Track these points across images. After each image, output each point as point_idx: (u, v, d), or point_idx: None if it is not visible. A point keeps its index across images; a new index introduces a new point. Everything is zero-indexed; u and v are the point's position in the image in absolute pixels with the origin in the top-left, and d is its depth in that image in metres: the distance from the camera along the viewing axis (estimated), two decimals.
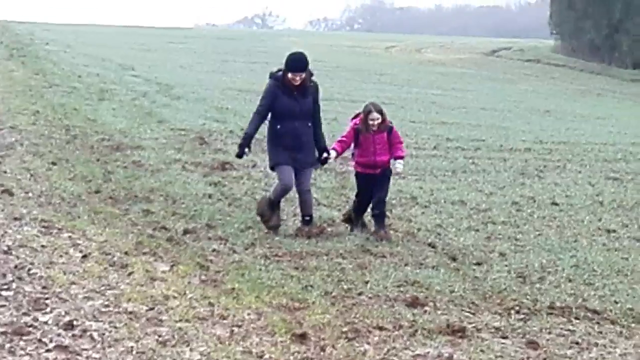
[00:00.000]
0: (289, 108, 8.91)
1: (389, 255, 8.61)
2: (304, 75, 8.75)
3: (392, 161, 9.43)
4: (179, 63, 32.99)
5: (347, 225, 9.49)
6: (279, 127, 8.96)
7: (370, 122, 8.96)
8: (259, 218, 9.22)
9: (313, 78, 9.08)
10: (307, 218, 9.17)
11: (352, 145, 9.37)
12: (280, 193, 9.07)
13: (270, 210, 9.03)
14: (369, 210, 9.39)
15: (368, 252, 8.68)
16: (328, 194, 11.70)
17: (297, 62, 8.81)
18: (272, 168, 9.32)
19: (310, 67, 8.98)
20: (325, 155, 9.24)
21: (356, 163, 9.47)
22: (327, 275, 7.71)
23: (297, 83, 8.73)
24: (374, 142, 9.10)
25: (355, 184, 9.74)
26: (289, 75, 8.69)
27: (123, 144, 14.18)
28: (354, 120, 9.29)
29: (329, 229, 9.56)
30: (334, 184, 12.50)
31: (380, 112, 9.08)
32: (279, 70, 8.92)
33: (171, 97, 21.64)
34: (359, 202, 9.43)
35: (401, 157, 9.47)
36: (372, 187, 9.29)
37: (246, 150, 9.14)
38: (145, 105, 19.74)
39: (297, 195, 9.36)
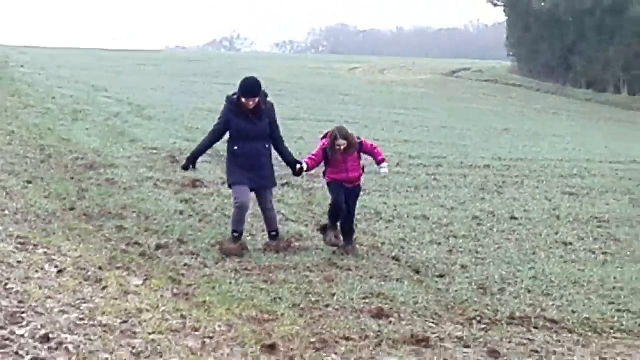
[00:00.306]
0: (245, 130, 9.08)
1: (355, 269, 8.74)
2: (257, 99, 8.91)
3: (377, 167, 9.75)
4: (150, 84, 33.08)
5: (322, 234, 9.51)
6: (236, 148, 9.12)
7: (337, 147, 9.10)
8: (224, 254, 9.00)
9: (269, 99, 9.28)
10: (274, 233, 9.30)
11: (323, 163, 9.50)
12: (236, 213, 9.13)
13: (233, 234, 9.14)
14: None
15: (335, 266, 8.80)
16: (295, 209, 11.76)
17: (249, 87, 8.95)
18: (230, 186, 9.42)
19: (265, 89, 9.15)
20: (299, 166, 9.31)
21: (331, 178, 9.51)
22: (296, 288, 7.83)
23: (251, 107, 8.89)
24: (345, 161, 9.27)
25: (330, 194, 9.68)
26: (243, 100, 8.86)
27: (96, 163, 14.25)
28: (324, 141, 9.39)
29: (296, 244, 9.64)
30: (301, 200, 12.60)
31: (346, 137, 9.17)
32: (234, 94, 9.05)
33: (143, 117, 21.76)
34: (334, 210, 9.42)
35: (383, 160, 9.64)
36: (345, 195, 9.38)
37: (191, 165, 9.35)
38: (118, 125, 19.77)
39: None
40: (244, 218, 9.22)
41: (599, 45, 53.88)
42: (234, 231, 9.11)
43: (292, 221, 10.88)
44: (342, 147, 9.02)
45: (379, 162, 9.61)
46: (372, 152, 9.60)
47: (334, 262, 8.89)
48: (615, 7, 51.24)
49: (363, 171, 9.58)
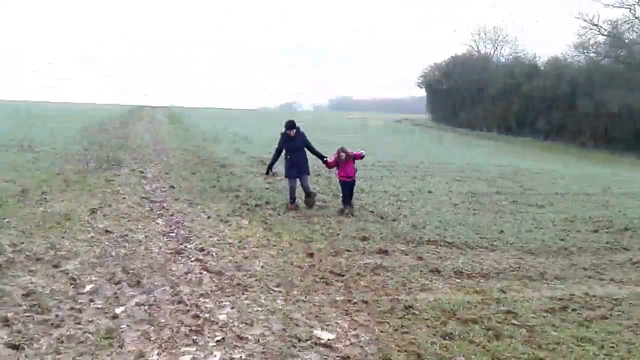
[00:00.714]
0: (290, 147, 12.50)
1: (352, 216, 11.88)
2: (294, 131, 12.42)
3: (359, 159, 12.82)
4: (250, 126, 39.29)
5: (340, 210, 12.30)
6: (288, 157, 12.56)
7: (341, 157, 12.40)
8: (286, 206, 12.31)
9: (300, 130, 12.59)
10: (308, 192, 12.68)
11: (336, 167, 12.69)
12: (289, 189, 12.55)
13: (290, 202, 12.44)
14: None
15: (342, 215, 11.95)
16: (322, 188, 15.31)
17: (290, 124, 12.48)
18: (285, 177, 12.84)
19: (298, 125, 12.55)
20: (325, 158, 12.86)
21: (339, 175, 12.70)
22: (322, 226, 10.81)
23: (292, 135, 12.42)
24: (346, 165, 12.46)
25: (340, 185, 12.93)
26: (287, 131, 12.41)
27: (225, 164, 18.63)
28: (334, 157, 12.60)
29: (322, 204, 13.03)
30: (325, 182, 16.31)
31: (345, 151, 12.49)
32: (284, 130, 12.50)
33: (247, 141, 26.99)
34: (343, 194, 12.64)
35: (360, 156, 12.72)
36: (347, 186, 12.55)
37: (270, 171, 13.09)
38: (235, 145, 24.63)
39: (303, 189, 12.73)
40: (294, 192, 12.54)
41: (472, 106, 67.61)
42: (290, 199, 12.52)
43: (320, 193, 14.22)
44: (343, 157, 12.40)
45: (358, 157, 12.69)
46: (356, 156, 12.62)
47: (341, 214, 11.99)
48: (480, 86, 63.93)
49: (356, 171, 12.77)
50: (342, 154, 12.40)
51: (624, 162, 42.26)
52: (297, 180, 12.59)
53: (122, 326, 5.58)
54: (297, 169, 12.49)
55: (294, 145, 12.47)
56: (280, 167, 13.60)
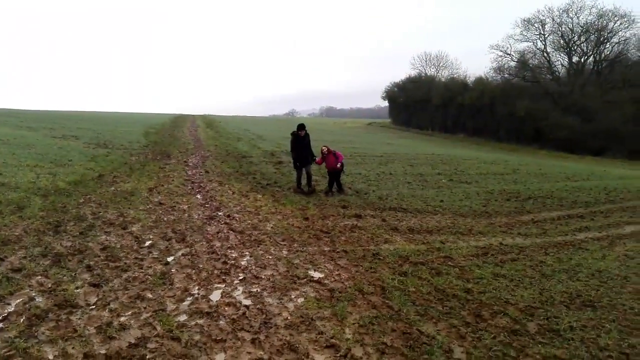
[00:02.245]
0: (299, 145, 11.69)
1: (336, 193, 11.53)
2: (304, 131, 11.71)
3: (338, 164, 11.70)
4: (263, 128, 37.56)
5: (325, 192, 11.62)
6: (297, 152, 11.73)
7: (323, 152, 11.82)
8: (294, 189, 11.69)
9: (307, 132, 11.81)
10: (310, 187, 11.73)
11: (323, 161, 11.88)
12: (297, 178, 11.80)
13: (297, 186, 11.73)
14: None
15: (329, 194, 11.43)
16: (315, 172, 13.30)
17: (301, 125, 11.80)
18: (294, 167, 11.90)
19: (306, 127, 11.88)
20: (315, 158, 12.00)
21: (326, 167, 11.97)
22: (314, 199, 10.81)
23: (302, 135, 11.65)
24: (329, 159, 11.77)
25: (327, 175, 12.13)
26: (298, 131, 11.63)
27: (245, 156, 18.04)
28: (320, 156, 11.96)
29: (316, 186, 12.23)
30: (316, 168, 13.85)
31: (326, 146, 12.00)
32: (294, 130, 11.72)
33: (262, 139, 25.83)
34: (329, 183, 11.86)
35: (341, 163, 11.67)
36: (332, 175, 11.80)
37: (298, 164, 11.73)
38: (253, 142, 23.81)
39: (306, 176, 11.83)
40: (300, 179, 11.80)
41: (421, 113, 66.06)
42: (297, 184, 11.76)
43: (315, 176, 13.36)
44: (325, 151, 11.83)
45: (339, 160, 11.71)
46: (336, 155, 11.78)
47: (330, 194, 11.54)
48: (427, 98, 62.64)
49: (342, 165, 11.71)
50: (324, 148, 11.97)
51: (528, 151, 42.74)
52: (303, 169, 11.92)
53: (172, 270, 5.64)
54: (303, 161, 11.83)
55: (302, 143, 11.80)
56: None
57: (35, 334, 3.92)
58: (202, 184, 11.70)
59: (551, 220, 10.38)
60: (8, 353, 3.61)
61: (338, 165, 11.71)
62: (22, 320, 4.11)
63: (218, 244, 6.79)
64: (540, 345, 4.32)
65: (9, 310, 4.29)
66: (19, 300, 4.48)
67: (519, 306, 5.21)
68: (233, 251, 6.54)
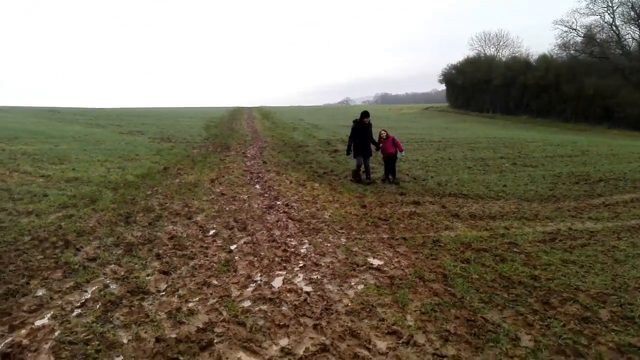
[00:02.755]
0: (362, 133, 11.24)
1: (393, 180, 11.25)
2: (368, 119, 11.22)
3: (399, 153, 11.56)
4: (318, 118, 38.72)
5: (382, 180, 11.41)
6: (357, 141, 11.28)
7: (381, 136, 11.53)
8: (351, 177, 11.53)
9: (370, 121, 11.37)
10: (369, 175, 11.37)
11: (380, 146, 11.52)
12: (356, 166, 11.34)
13: (355, 174, 11.41)
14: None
15: (389, 183, 11.17)
16: (373, 160, 12.53)
17: (366, 113, 11.28)
18: (354, 157, 11.41)
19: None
20: (374, 148, 11.55)
21: (382, 153, 11.57)
22: (374, 188, 10.59)
23: (367, 122, 11.19)
24: (386, 143, 11.44)
25: (383, 162, 11.79)
26: (364, 119, 11.13)
27: (301, 145, 18.43)
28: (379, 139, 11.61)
29: (374, 175, 11.82)
30: (375, 160, 13.61)
31: (385, 130, 11.70)
32: (356, 118, 11.32)
33: (317, 128, 26.44)
34: (385, 171, 11.54)
35: (401, 150, 11.58)
36: (388, 162, 11.44)
37: (351, 152, 11.40)
38: (308, 132, 24.36)
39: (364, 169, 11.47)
40: (360, 169, 11.37)
41: (481, 96, 63.37)
42: (355, 174, 11.38)
43: (373, 165, 12.82)
44: (384, 135, 11.53)
45: (400, 150, 11.59)
46: (398, 144, 11.54)
47: (387, 183, 11.36)
48: (486, 79, 59.86)
49: (396, 150, 11.45)
50: (383, 132, 11.63)
51: (597, 131, 40.28)
52: (362, 160, 11.40)
53: (235, 258, 5.80)
54: (365, 151, 11.33)
55: (365, 131, 11.28)
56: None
57: (111, 319, 4.17)
58: (260, 174, 11.94)
59: (624, 203, 9.76)
60: (86, 337, 3.86)
61: (399, 154, 11.55)
62: (98, 306, 4.39)
63: (278, 233, 6.91)
64: (613, 333, 4.10)
65: (86, 297, 4.59)
66: (94, 288, 4.79)
67: (590, 293, 4.95)
68: (292, 239, 6.63)
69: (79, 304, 4.44)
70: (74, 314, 4.26)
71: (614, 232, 7.50)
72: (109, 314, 4.27)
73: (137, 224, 7.02)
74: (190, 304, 4.49)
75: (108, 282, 4.95)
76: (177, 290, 4.78)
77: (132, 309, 4.38)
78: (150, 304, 4.48)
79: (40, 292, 4.66)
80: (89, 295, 4.63)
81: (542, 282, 5.24)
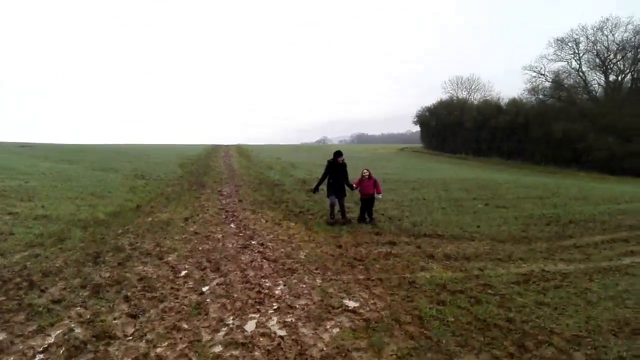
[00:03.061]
0: (335, 173, 11.20)
1: (369, 221, 11.05)
2: (342, 158, 11.15)
3: (376, 194, 11.45)
4: (295, 157, 38.04)
5: (359, 221, 11.13)
6: (331, 181, 11.24)
7: (364, 175, 11.33)
8: (327, 221, 10.95)
9: (344, 160, 11.31)
10: (345, 215, 11.10)
11: (359, 187, 11.31)
12: (330, 208, 11.17)
13: (331, 215, 11.14)
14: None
15: (365, 223, 11.00)
16: (348, 198, 12.45)
17: (339, 153, 11.20)
18: (328, 197, 11.37)
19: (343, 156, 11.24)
20: (352, 184, 11.35)
21: (360, 194, 11.38)
22: (350, 228, 10.43)
23: (340, 162, 11.12)
24: (367, 184, 11.28)
25: (360, 204, 11.52)
26: (337, 158, 11.08)
27: (277, 184, 18.17)
28: (358, 179, 11.44)
29: (350, 215, 11.58)
30: (349, 195, 14.81)
31: (368, 170, 11.52)
32: (331, 159, 11.21)
33: (293, 167, 26.30)
34: (361, 210, 11.34)
35: (380, 192, 11.53)
36: (366, 203, 11.27)
37: (317, 190, 11.55)
38: (285, 170, 24.11)
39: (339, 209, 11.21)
40: (334, 210, 11.19)
41: (454, 137, 64.74)
42: (330, 215, 11.16)
43: (347, 201, 11.97)
44: (365, 175, 11.34)
45: (378, 192, 11.48)
46: (377, 185, 11.48)
47: (363, 223, 11.15)
48: (459, 122, 61.90)
49: (374, 191, 11.33)
50: (366, 171, 11.47)
51: (566, 174, 41.43)
52: (337, 200, 11.26)
53: (207, 300, 5.65)
54: (338, 191, 11.24)
55: (338, 171, 11.24)
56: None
57: None
58: (235, 213, 11.78)
59: (594, 245, 9.93)
60: None
61: (377, 196, 11.51)
62: (61, 351, 4.19)
63: (252, 273, 6.78)
64: None
65: (50, 341, 4.38)
66: (58, 332, 4.57)
67: (564, 335, 4.95)
68: (267, 280, 6.51)
69: (41, 349, 4.24)
70: (36, 359, 4.03)
71: (585, 274, 7.60)
72: (72, 359, 4.06)
73: (105, 264, 6.81)
74: (158, 350, 4.31)
75: (73, 325, 4.74)
76: (145, 335, 4.60)
77: (97, 354, 4.19)
78: (117, 350, 4.29)
79: (1, 336, 4.41)
80: (53, 340, 4.42)
81: (517, 324, 5.23)
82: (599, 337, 4.96)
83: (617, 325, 5.33)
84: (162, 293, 5.75)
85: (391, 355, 4.39)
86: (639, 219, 13.26)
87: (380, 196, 11.78)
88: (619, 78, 49.91)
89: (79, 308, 5.15)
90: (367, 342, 4.66)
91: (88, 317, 4.93)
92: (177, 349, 4.35)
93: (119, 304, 5.34)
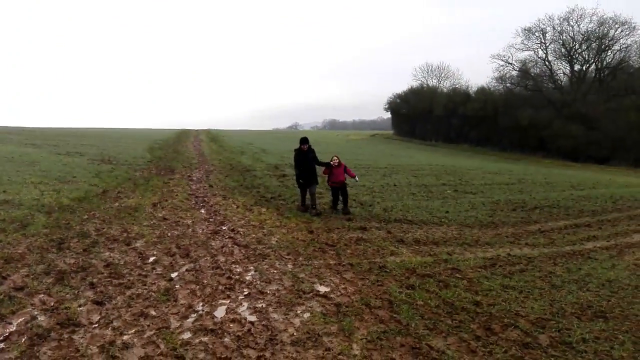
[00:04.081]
0: (302, 160, 10.62)
1: (342, 208, 10.85)
2: (307, 145, 10.59)
3: (353, 179, 11.28)
4: (266, 142, 37.16)
5: (332, 209, 10.87)
6: (300, 169, 10.59)
7: (333, 162, 10.89)
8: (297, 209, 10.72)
9: (311, 146, 10.72)
10: (314, 208, 10.53)
11: (328, 174, 10.93)
12: (301, 197, 10.93)
13: (302, 204, 10.85)
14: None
15: (336, 213, 10.82)
16: (322, 190, 13.40)
17: (304, 140, 10.66)
18: (298, 186, 10.95)
19: (310, 141, 10.71)
20: (330, 162, 10.86)
21: (330, 182, 10.95)
22: (323, 216, 10.26)
23: (305, 149, 10.57)
24: (337, 171, 10.83)
25: (331, 192, 11.25)
26: (301, 146, 10.59)
27: (248, 169, 18.01)
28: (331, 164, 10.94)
29: (320, 202, 11.35)
30: (323, 186, 14.47)
31: (338, 158, 11.07)
32: (298, 147, 10.70)
33: (265, 153, 25.95)
34: (333, 199, 11.02)
35: (353, 175, 11.13)
36: (337, 191, 10.91)
37: (301, 180, 10.63)
38: (257, 156, 23.77)
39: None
40: (304, 198, 10.85)
41: (424, 124, 65.99)
42: (301, 203, 10.88)
43: (319, 188, 12.13)
44: (336, 162, 10.93)
45: (352, 176, 11.13)
46: (349, 171, 11.04)
47: (335, 211, 10.93)
48: (429, 109, 62.44)
49: (346, 178, 10.95)
50: (335, 158, 11.06)
51: (532, 161, 42.54)
52: (307, 188, 10.85)
53: (176, 286, 5.55)
54: (307, 179, 10.75)
55: (305, 158, 10.71)
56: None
57: (37, 354, 3.84)
58: (206, 199, 11.63)
59: (558, 230, 10.25)
60: None
61: (353, 180, 11.47)
62: (23, 340, 4.04)
63: (222, 259, 6.71)
64: (552, 359, 4.20)
65: (11, 329, 4.22)
66: (20, 320, 4.42)
67: (529, 318, 5.09)
68: (237, 266, 6.45)
69: (2, 338, 4.08)
70: None
71: (550, 258, 7.83)
72: (35, 348, 3.94)
73: (70, 250, 6.60)
74: (125, 337, 4.21)
75: (36, 313, 4.58)
76: (112, 322, 4.49)
77: (61, 342, 4.06)
78: (82, 337, 4.17)
79: None
80: (14, 328, 4.26)
81: (484, 307, 5.34)
82: (563, 319, 5.11)
83: (580, 308, 5.51)
84: (129, 280, 5.62)
85: (361, 339, 4.42)
86: (601, 205, 13.76)
87: (357, 179, 11.70)
88: (584, 68, 51.26)
89: (42, 295, 4.98)
90: (337, 326, 4.67)
91: (52, 304, 4.78)
92: (145, 336, 4.26)
93: (84, 291, 5.19)
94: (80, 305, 4.80)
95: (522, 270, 6.98)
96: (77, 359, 3.80)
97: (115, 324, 4.46)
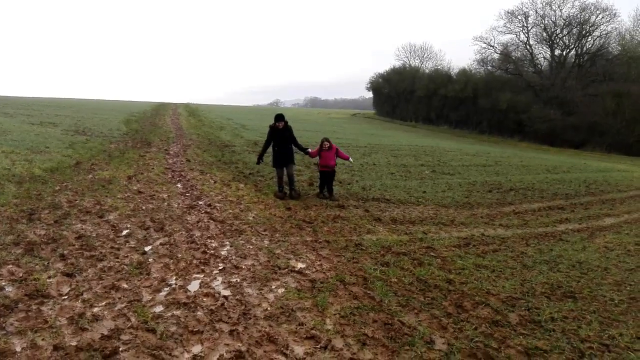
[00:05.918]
0: (278, 139, 9.74)
1: (329, 198, 10.53)
2: (283, 123, 9.64)
3: (347, 161, 10.87)
4: (246, 118, 36.70)
5: (319, 194, 10.19)
6: (276, 148, 9.74)
7: (324, 146, 10.09)
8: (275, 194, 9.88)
9: (288, 124, 9.82)
10: (293, 187, 9.95)
11: (318, 157, 10.28)
12: (277, 180, 9.96)
13: (279, 189, 9.92)
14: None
15: (324, 198, 11.19)
16: (308, 178, 13.44)
17: (279, 117, 9.71)
18: (273, 167, 10.03)
19: (286, 118, 9.80)
20: (308, 150, 10.36)
21: (320, 165, 10.24)
22: (302, 202, 10.05)
23: (280, 127, 9.67)
24: (327, 155, 10.10)
25: (319, 176, 10.35)
26: (276, 123, 9.67)
27: (227, 145, 17.85)
28: (317, 148, 10.28)
29: (307, 186, 11.06)
30: (310, 174, 14.75)
31: (328, 140, 10.24)
32: (272, 123, 9.79)
33: (245, 129, 25.67)
34: (320, 184, 10.26)
35: (347, 158, 10.49)
36: (326, 177, 10.16)
37: (260, 160, 10.26)
38: (237, 132, 23.56)
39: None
40: (282, 181, 9.91)
41: (405, 105, 66.62)
42: (278, 188, 9.97)
43: (303, 181, 11.21)
44: (326, 146, 10.13)
45: (345, 159, 10.49)
46: (341, 154, 10.29)
47: (317, 197, 10.90)
48: (411, 90, 63.10)
49: (336, 163, 10.37)
50: (326, 142, 10.26)
51: (509, 143, 43.20)
52: (284, 169, 10.01)
53: (149, 260, 5.48)
54: (283, 159, 9.92)
55: (281, 136, 9.86)
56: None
57: (3, 325, 3.75)
58: (182, 173, 11.48)
59: (532, 212, 10.45)
60: None
61: (352, 161, 11.48)
62: None
63: (198, 234, 6.64)
64: (521, 337, 4.30)
65: None
66: None
67: (500, 297, 5.19)
68: (213, 241, 6.40)
69: None
70: None
71: (522, 239, 7.99)
72: (1, 319, 3.83)
73: (41, 221, 6.44)
74: (95, 309, 4.15)
75: (3, 284, 4.47)
76: (82, 294, 4.41)
77: (29, 314, 3.97)
78: (50, 309, 4.09)
79: None
80: None
81: (456, 285, 5.42)
82: (533, 299, 5.23)
83: (550, 288, 5.64)
84: (101, 252, 5.52)
85: (334, 314, 4.45)
86: (574, 189, 14.06)
87: (351, 161, 11.60)
88: (564, 53, 51.86)
89: (10, 266, 4.86)
90: (311, 302, 4.69)
91: (20, 275, 4.66)
92: (115, 308, 4.20)
93: (54, 262, 5.08)
94: (49, 277, 4.70)
95: (495, 250, 7.11)
96: (45, 330, 3.72)
97: (85, 296, 4.38)
